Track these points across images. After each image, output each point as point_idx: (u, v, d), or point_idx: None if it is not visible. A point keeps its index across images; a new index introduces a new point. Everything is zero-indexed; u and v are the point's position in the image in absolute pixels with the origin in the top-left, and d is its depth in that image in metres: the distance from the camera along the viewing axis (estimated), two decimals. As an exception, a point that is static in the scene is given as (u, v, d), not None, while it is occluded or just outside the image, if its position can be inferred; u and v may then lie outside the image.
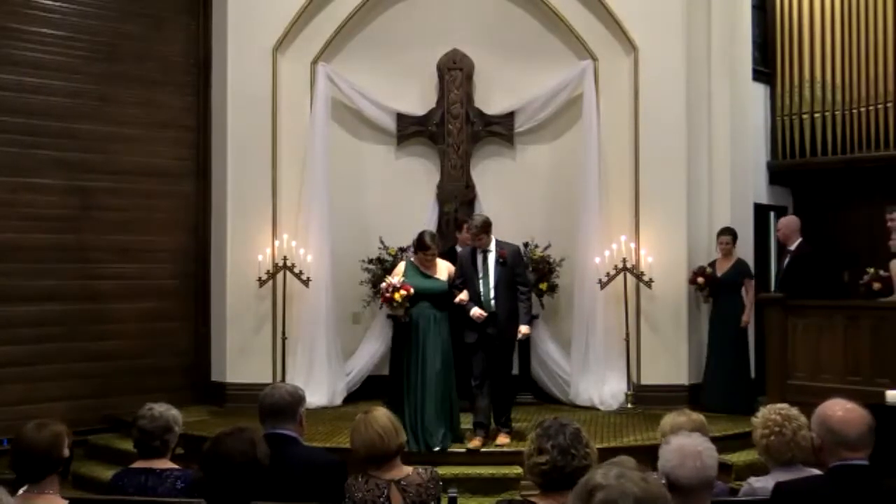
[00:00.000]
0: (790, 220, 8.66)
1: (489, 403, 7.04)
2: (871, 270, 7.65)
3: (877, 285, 7.54)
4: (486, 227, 6.95)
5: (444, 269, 7.17)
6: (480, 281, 7.01)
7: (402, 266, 7.25)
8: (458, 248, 8.77)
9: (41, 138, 8.18)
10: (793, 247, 8.38)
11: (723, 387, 8.31)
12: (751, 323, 8.60)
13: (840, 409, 3.28)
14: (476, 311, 6.88)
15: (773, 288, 9.16)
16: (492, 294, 6.94)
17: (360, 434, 3.72)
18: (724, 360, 8.38)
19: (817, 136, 10.43)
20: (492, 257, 6.99)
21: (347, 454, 4.02)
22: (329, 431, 7.39)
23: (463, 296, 6.97)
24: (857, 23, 10.19)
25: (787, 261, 8.33)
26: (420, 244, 7.11)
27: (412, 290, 6.97)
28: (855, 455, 3.22)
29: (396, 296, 6.93)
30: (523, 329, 6.99)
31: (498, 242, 7.07)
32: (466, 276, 7.03)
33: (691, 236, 8.90)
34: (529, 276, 7.53)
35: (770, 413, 3.68)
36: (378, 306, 9.11)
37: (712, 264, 8.62)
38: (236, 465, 3.06)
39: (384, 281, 7.16)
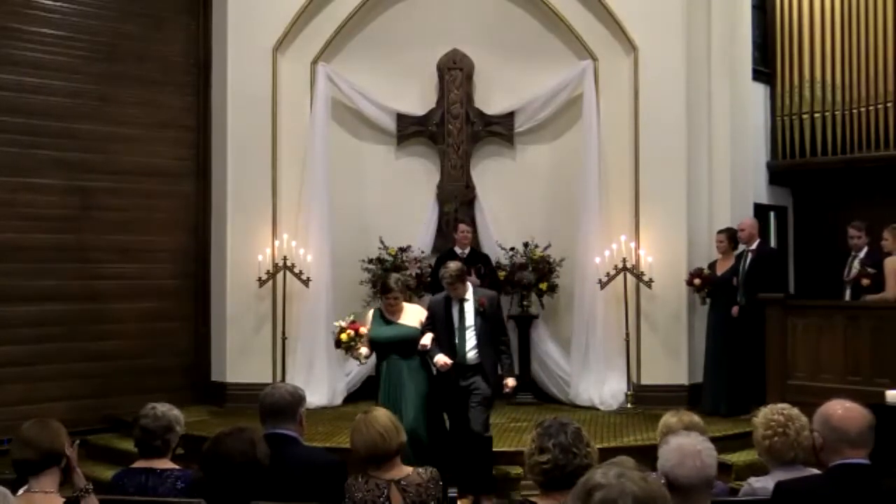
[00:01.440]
0: (753, 222, 8.66)
1: (465, 465, 6.14)
2: (859, 267, 7.68)
3: (865, 281, 7.56)
4: (461, 275, 6.38)
5: (412, 315, 6.48)
6: (456, 332, 6.37)
7: (370, 314, 6.61)
8: (457, 249, 8.80)
9: (41, 138, 8.18)
10: (753, 246, 8.39)
11: (720, 389, 8.29)
12: (749, 325, 8.51)
13: (841, 408, 3.29)
14: (440, 359, 6.22)
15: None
16: (468, 346, 6.32)
17: (361, 434, 3.72)
18: (722, 362, 8.35)
19: (817, 136, 10.43)
20: (469, 306, 6.37)
21: (347, 454, 4.02)
22: (329, 431, 7.39)
23: (425, 340, 6.28)
24: (857, 23, 10.19)
25: (749, 260, 8.32)
26: (383, 287, 6.51)
27: (362, 330, 6.42)
28: (856, 454, 3.22)
29: (343, 336, 6.41)
30: (510, 382, 6.43)
31: (475, 290, 6.55)
32: (438, 326, 6.36)
33: (691, 236, 8.90)
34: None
35: (772, 413, 3.67)
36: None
37: (712, 265, 8.60)
38: (236, 465, 3.05)
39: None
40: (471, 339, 6.35)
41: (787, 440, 3.58)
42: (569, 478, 2.95)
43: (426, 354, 6.34)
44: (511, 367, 6.58)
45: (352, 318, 6.63)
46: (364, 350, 6.43)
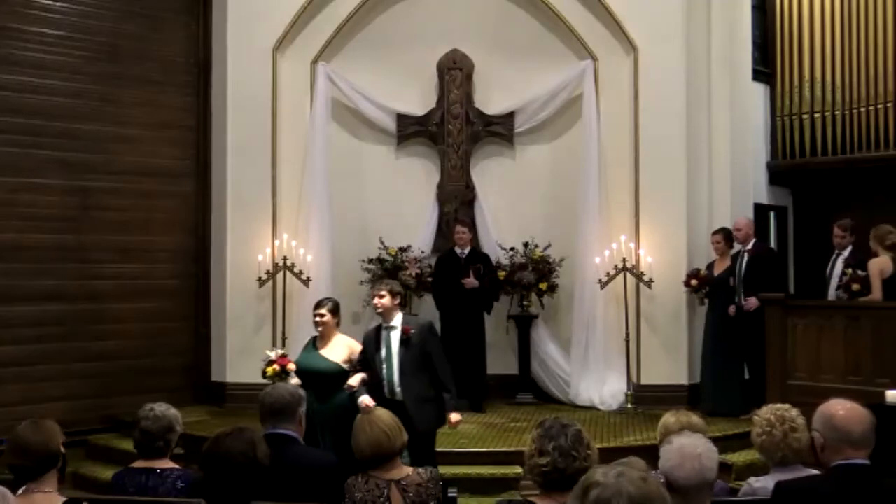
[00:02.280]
0: (749, 221, 8.63)
1: None
2: (850, 271, 7.70)
3: (855, 286, 7.55)
4: (392, 293, 5.87)
5: (339, 348, 5.96)
6: (384, 364, 5.82)
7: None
8: (457, 249, 8.80)
9: (41, 138, 8.17)
10: (749, 246, 8.38)
11: (718, 389, 8.28)
12: (746, 325, 8.49)
13: (842, 408, 3.29)
14: (362, 401, 5.58)
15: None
16: (396, 379, 5.76)
17: (366, 434, 3.71)
18: (720, 362, 8.35)
19: (817, 136, 10.43)
20: (395, 335, 5.84)
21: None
22: (329, 431, 7.37)
23: (353, 381, 5.78)
24: (857, 23, 10.19)
25: (745, 260, 8.31)
26: (316, 304, 6.11)
27: (290, 366, 5.97)
28: (858, 454, 3.22)
29: (269, 370, 6.03)
30: (454, 418, 5.85)
31: (405, 317, 5.99)
32: (368, 358, 5.86)
33: (691, 236, 8.90)
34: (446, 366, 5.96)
35: (767, 413, 3.72)
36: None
37: (710, 265, 8.60)
38: (236, 465, 3.06)
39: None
40: (397, 372, 5.80)
41: (773, 440, 3.61)
42: (568, 480, 2.95)
43: (353, 396, 5.75)
44: (453, 399, 5.91)
45: (282, 351, 6.29)
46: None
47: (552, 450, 2.99)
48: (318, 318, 5.98)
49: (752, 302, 8.08)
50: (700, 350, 8.74)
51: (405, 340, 5.81)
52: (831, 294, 7.96)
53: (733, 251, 8.47)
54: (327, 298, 6.20)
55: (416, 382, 5.76)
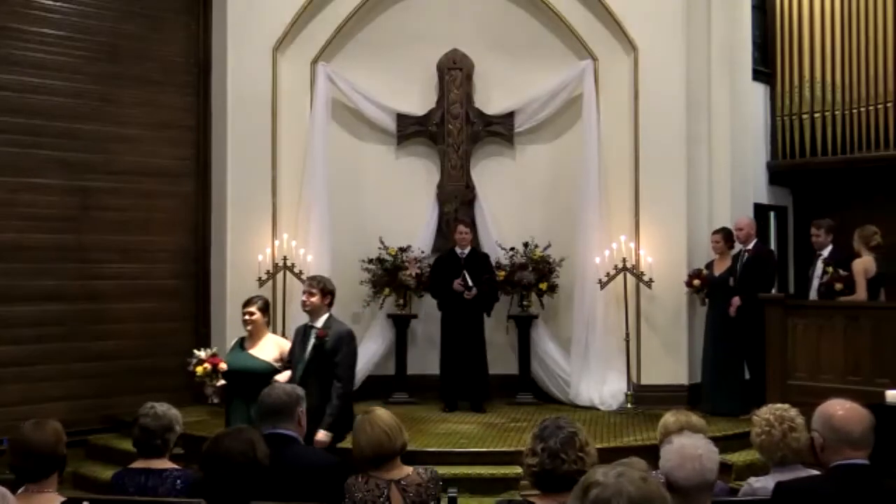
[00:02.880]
0: (751, 221, 8.63)
1: None
2: (830, 270, 7.75)
3: (838, 285, 7.62)
4: (323, 291, 5.65)
5: (270, 347, 5.79)
6: (298, 364, 5.61)
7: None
8: (457, 249, 8.79)
9: (41, 138, 8.17)
10: (749, 246, 8.37)
11: (718, 388, 8.28)
12: (745, 325, 8.48)
13: (841, 408, 3.29)
14: None
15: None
16: (298, 382, 5.35)
17: (367, 434, 3.70)
18: (720, 362, 8.35)
19: (817, 136, 10.43)
20: (313, 335, 5.63)
21: (348, 454, 4.02)
22: (329, 431, 7.36)
23: (280, 377, 5.51)
24: (857, 23, 10.19)
25: (744, 260, 8.31)
26: (245, 301, 5.91)
27: (221, 366, 5.69)
28: (857, 454, 3.22)
29: (199, 369, 5.69)
30: (320, 436, 5.34)
31: (327, 321, 5.70)
32: (293, 359, 5.64)
33: (691, 236, 8.90)
34: (348, 372, 5.67)
35: (766, 413, 3.72)
36: (378, 306, 9.14)
37: (710, 265, 8.60)
38: (236, 465, 3.06)
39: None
40: (301, 375, 5.51)
41: (772, 440, 3.62)
42: (558, 481, 2.97)
43: None
44: (332, 416, 5.45)
45: (213, 350, 5.97)
46: (211, 389, 5.77)
47: (541, 451, 3.02)
48: (247, 317, 5.79)
49: (735, 302, 8.12)
50: (700, 350, 8.75)
51: (318, 345, 5.61)
52: (812, 294, 8.03)
53: (735, 251, 8.47)
54: (257, 296, 6.01)
55: (317, 391, 5.35)
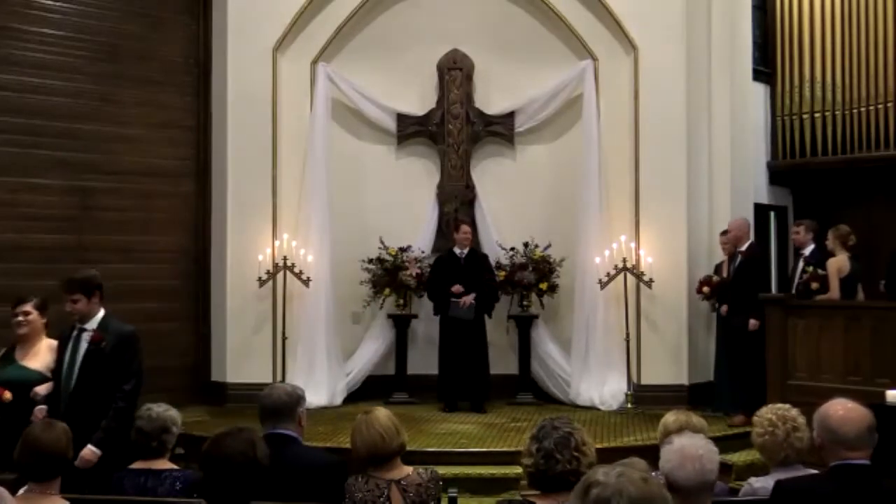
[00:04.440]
0: (742, 223, 8.41)
1: None
2: (811, 269, 7.80)
3: (814, 284, 7.70)
4: (84, 286, 4.87)
5: (44, 353, 5.05)
6: (63, 373, 4.79)
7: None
8: (456, 249, 8.79)
9: (41, 138, 8.17)
10: (743, 248, 8.22)
11: (732, 389, 8.23)
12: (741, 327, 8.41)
13: (841, 409, 3.28)
14: (39, 410, 4.65)
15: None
16: (70, 394, 4.73)
17: (362, 434, 3.72)
18: (732, 362, 8.30)
19: (817, 136, 10.43)
20: (85, 338, 4.84)
21: (347, 454, 4.02)
22: (329, 431, 7.38)
23: (40, 388, 4.84)
24: (857, 23, 10.19)
25: (738, 262, 8.27)
26: (18, 300, 5.10)
27: (8, 395, 4.83)
28: (855, 455, 3.22)
29: None
30: (86, 451, 4.55)
31: (103, 320, 4.92)
32: (59, 367, 4.88)
33: (691, 236, 8.90)
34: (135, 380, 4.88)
35: (768, 413, 3.72)
36: (378, 306, 9.14)
37: (718, 266, 8.54)
38: (236, 465, 3.05)
39: None
40: (73, 386, 4.75)
41: (776, 440, 3.62)
42: (553, 481, 2.98)
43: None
44: (101, 436, 4.64)
45: None
46: None
47: (536, 451, 3.03)
48: (21, 318, 5.01)
49: (724, 309, 8.17)
50: (699, 350, 8.75)
51: (93, 350, 4.83)
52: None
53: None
54: (32, 296, 5.20)
55: (92, 403, 4.71)
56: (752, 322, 7.88)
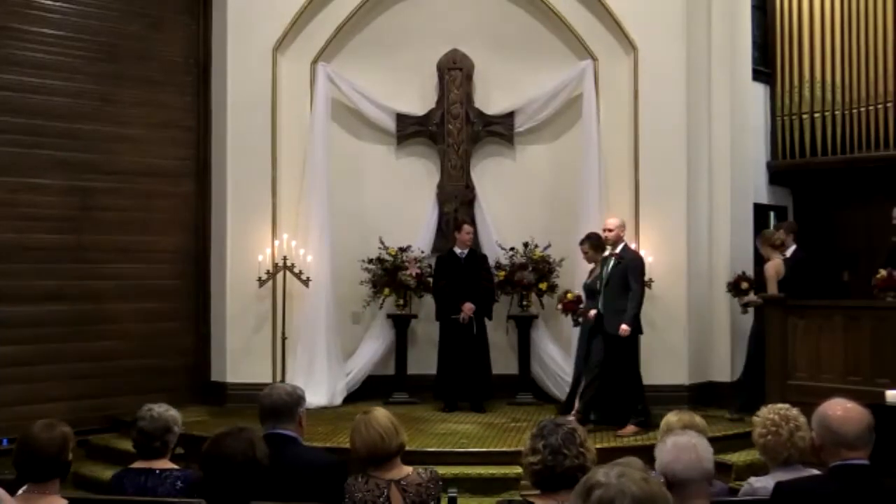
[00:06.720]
0: (618, 221, 7.77)
1: None
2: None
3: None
4: None
5: None
6: None
7: None
8: (456, 249, 8.79)
9: (42, 138, 8.17)
10: (617, 250, 7.70)
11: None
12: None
13: (840, 409, 3.28)
14: None
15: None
16: None
17: (361, 434, 3.72)
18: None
19: (817, 136, 10.43)
20: None
21: (347, 454, 4.02)
22: (329, 431, 7.38)
23: None
24: (857, 23, 10.19)
25: (611, 264, 8.20)
26: None
27: None
28: (854, 454, 3.22)
29: None
30: None
31: None
32: None
33: (691, 236, 8.90)
34: None
35: (769, 413, 3.71)
36: (378, 306, 9.14)
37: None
38: (236, 465, 3.05)
39: None
40: None
41: (779, 440, 3.61)
42: (560, 479, 2.97)
43: None
44: None
45: None
46: None
47: (543, 448, 3.01)
48: None
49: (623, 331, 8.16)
50: (699, 350, 8.77)
51: None
52: None
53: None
54: None
55: None
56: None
